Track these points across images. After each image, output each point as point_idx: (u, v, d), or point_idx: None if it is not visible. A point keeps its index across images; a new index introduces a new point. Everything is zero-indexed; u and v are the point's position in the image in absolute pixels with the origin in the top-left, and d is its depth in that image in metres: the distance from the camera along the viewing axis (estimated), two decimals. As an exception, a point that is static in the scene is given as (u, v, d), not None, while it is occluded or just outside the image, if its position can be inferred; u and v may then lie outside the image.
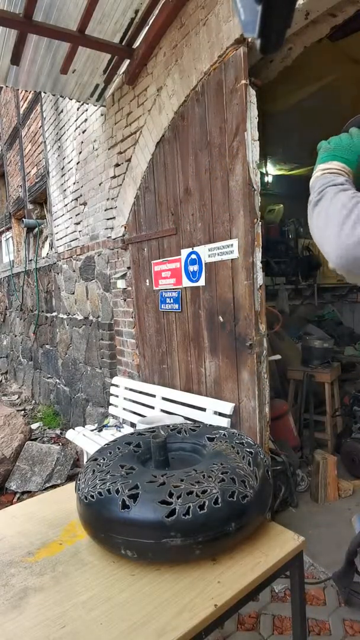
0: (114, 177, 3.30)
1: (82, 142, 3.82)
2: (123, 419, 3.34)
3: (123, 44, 2.69)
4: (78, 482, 1.26)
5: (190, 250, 2.55)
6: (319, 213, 0.82)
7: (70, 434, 3.33)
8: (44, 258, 5.40)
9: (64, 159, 4.30)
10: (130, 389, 3.24)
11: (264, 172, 5.33)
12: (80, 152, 3.88)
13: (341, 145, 0.92)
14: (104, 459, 1.28)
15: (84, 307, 4.06)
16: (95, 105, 3.40)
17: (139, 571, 1.09)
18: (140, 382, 3.18)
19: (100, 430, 3.25)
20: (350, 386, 4.09)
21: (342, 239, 0.75)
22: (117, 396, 3.36)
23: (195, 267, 2.52)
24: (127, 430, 3.21)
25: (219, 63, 2.17)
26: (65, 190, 4.35)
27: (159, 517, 1.03)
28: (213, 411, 2.40)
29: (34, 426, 4.66)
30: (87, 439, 3.10)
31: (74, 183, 4.08)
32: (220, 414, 2.36)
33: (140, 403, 3.08)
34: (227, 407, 2.31)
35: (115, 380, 3.47)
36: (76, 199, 4.07)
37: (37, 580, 1.09)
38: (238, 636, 1.80)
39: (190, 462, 1.34)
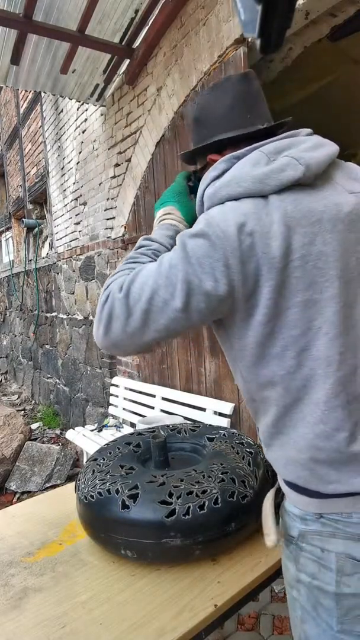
0: (114, 177, 3.30)
1: (82, 142, 3.82)
2: (123, 419, 3.34)
3: (123, 44, 2.69)
4: (78, 482, 1.26)
5: (190, 250, 2.55)
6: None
7: (70, 434, 3.33)
8: (43, 258, 5.40)
9: (63, 158, 4.30)
10: (130, 389, 3.24)
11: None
12: (80, 152, 3.88)
13: (167, 192, 1.01)
14: (103, 459, 1.28)
15: (84, 307, 4.06)
16: (95, 105, 3.40)
17: (138, 571, 1.09)
18: (140, 382, 3.18)
19: (100, 430, 3.25)
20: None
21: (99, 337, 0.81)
22: (117, 396, 3.36)
23: (195, 267, 2.52)
24: (126, 430, 3.21)
25: (218, 63, 2.17)
26: (65, 190, 4.34)
27: (158, 517, 1.03)
28: (213, 411, 2.40)
29: (33, 426, 4.65)
30: (86, 439, 3.10)
31: (74, 183, 4.08)
32: (220, 414, 2.36)
33: (140, 403, 3.08)
34: (227, 407, 2.31)
35: (115, 380, 3.47)
36: (76, 199, 4.07)
37: (37, 580, 1.09)
38: (238, 636, 1.80)
39: (190, 462, 1.34)
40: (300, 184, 0.75)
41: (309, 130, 0.85)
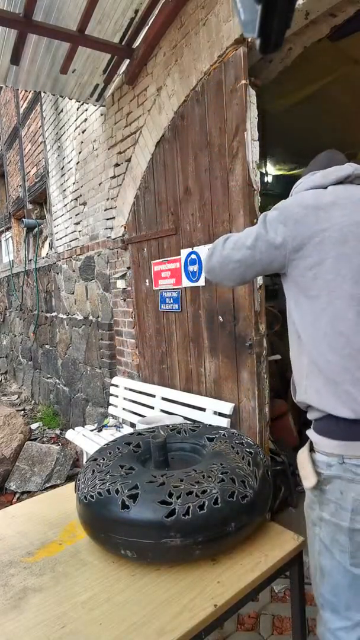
0: (114, 177, 3.30)
1: (81, 142, 3.82)
2: (123, 419, 3.34)
3: (123, 43, 2.69)
4: (78, 482, 1.26)
5: (190, 250, 2.55)
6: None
7: (69, 434, 3.33)
8: (43, 258, 5.40)
9: (63, 158, 4.30)
10: (130, 389, 3.24)
11: (264, 172, 5.33)
12: (80, 152, 3.88)
13: None
14: (103, 459, 1.28)
15: (84, 307, 4.06)
16: (95, 105, 3.40)
17: (138, 571, 1.09)
18: (140, 382, 3.18)
19: (99, 431, 3.25)
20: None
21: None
22: (116, 396, 3.36)
23: (195, 267, 2.52)
24: (126, 430, 3.21)
25: (218, 63, 2.17)
26: (65, 190, 4.34)
27: (158, 517, 1.03)
28: (213, 411, 2.40)
29: (33, 426, 4.65)
30: (86, 439, 3.10)
31: (74, 183, 4.08)
32: (220, 414, 2.36)
33: (140, 403, 3.08)
34: (227, 407, 2.31)
35: (115, 380, 3.47)
36: (76, 199, 4.07)
37: (37, 580, 1.09)
38: (238, 636, 1.80)
39: (190, 462, 1.34)
40: (351, 182, 1.14)
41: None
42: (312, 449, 1.11)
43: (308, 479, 1.07)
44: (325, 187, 1.12)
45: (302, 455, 1.12)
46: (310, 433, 1.11)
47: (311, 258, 1.05)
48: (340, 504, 1.02)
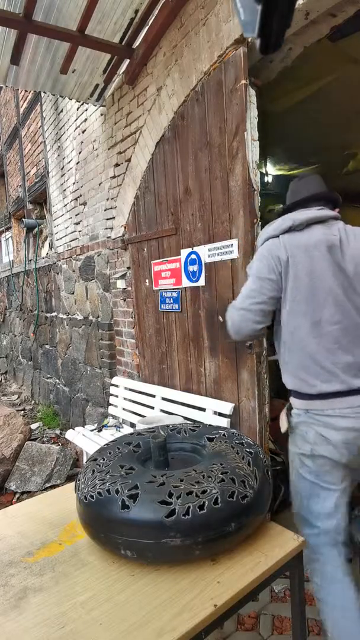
0: (114, 177, 3.30)
1: (81, 142, 3.82)
2: (123, 419, 3.34)
3: (123, 44, 2.69)
4: (78, 482, 1.26)
5: (190, 250, 2.55)
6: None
7: (69, 434, 3.33)
8: (43, 258, 5.40)
9: (63, 159, 4.30)
10: (130, 389, 3.24)
11: (264, 172, 5.33)
12: (80, 152, 3.88)
13: None
14: (103, 459, 1.28)
15: (84, 307, 4.06)
16: (95, 105, 3.40)
17: (138, 571, 1.09)
18: (140, 382, 3.18)
19: (99, 431, 3.25)
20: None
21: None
22: (116, 396, 3.36)
23: (195, 267, 2.52)
24: (126, 430, 3.21)
25: (218, 63, 2.17)
26: (65, 190, 4.34)
27: (158, 517, 1.03)
28: (213, 411, 2.40)
29: (33, 426, 4.65)
30: (86, 439, 3.10)
31: (74, 183, 4.08)
32: (220, 414, 2.36)
33: (140, 403, 3.08)
34: (227, 407, 2.31)
35: (115, 380, 3.47)
36: (76, 199, 4.07)
37: (37, 580, 1.09)
38: (238, 636, 1.80)
39: (190, 462, 1.34)
40: (293, 229, 1.60)
41: (319, 207, 1.63)
42: (288, 409, 1.64)
43: (283, 425, 1.65)
44: (277, 236, 1.62)
45: (282, 412, 1.68)
46: (290, 398, 1.64)
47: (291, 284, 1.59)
48: (305, 439, 1.53)
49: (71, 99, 3.27)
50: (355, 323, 1.49)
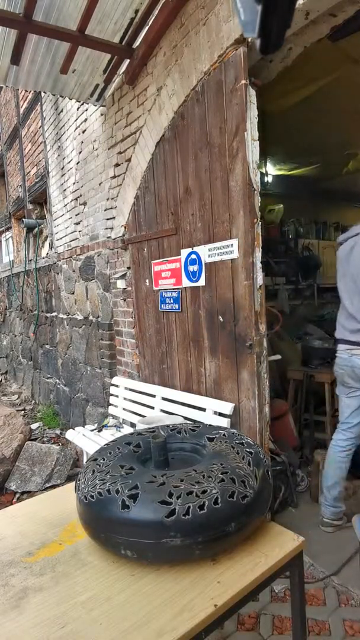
0: (114, 177, 3.30)
1: (82, 142, 3.82)
2: (123, 419, 3.34)
3: (123, 44, 2.69)
4: (78, 482, 1.26)
5: (190, 250, 2.55)
6: None
7: (70, 434, 3.33)
8: (43, 258, 5.40)
9: (63, 159, 4.30)
10: (130, 389, 3.24)
11: (264, 172, 5.33)
12: (80, 152, 3.88)
13: None
14: (103, 459, 1.28)
15: (84, 307, 4.06)
16: (95, 105, 3.40)
17: (138, 571, 1.09)
18: (140, 382, 3.18)
19: (100, 431, 3.25)
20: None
21: None
22: (117, 396, 3.36)
23: (195, 267, 2.52)
24: (126, 430, 3.21)
25: (218, 63, 2.17)
26: (65, 190, 4.34)
27: (158, 517, 1.03)
28: (213, 411, 2.40)
29: (33, 426, 4.65)
30: (86, 439, 3.10)
31: (74, 183, 4.08)
32: (220, 414, 2.36)
33: (140, 403, 3.08)
34: (227, 407, 2.31)
35: (115, 380, 3.47)
36: (76, 199, 4.07)
37: (37, 580, 1.09)
38: (238, 636, 1.80)
39: (190, 462, 1.34)
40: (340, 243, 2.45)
41: None
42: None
43: None
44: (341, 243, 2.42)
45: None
46: None
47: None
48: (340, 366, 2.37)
49: (71, 99, 3.27)
50: None
